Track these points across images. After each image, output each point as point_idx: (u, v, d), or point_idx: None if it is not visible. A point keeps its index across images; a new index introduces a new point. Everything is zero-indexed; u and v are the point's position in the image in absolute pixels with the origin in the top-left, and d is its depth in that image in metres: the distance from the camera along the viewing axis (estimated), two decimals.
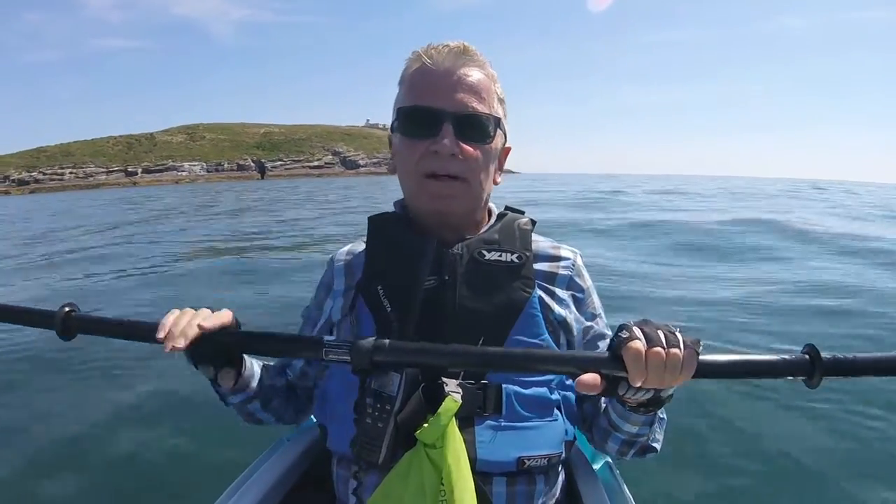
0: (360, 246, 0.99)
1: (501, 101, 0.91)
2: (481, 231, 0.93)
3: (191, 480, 2.10)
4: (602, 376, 0.67)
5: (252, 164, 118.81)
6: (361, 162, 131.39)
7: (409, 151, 0.86)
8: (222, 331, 0.75)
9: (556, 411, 0.87)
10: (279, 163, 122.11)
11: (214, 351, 0.79)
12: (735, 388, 2.87)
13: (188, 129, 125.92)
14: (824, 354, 0.67)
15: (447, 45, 0.86)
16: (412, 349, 0.72)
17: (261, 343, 0.78)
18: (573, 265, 0.96)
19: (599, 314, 0.97)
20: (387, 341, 0.71)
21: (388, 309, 0.85)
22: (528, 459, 0.83)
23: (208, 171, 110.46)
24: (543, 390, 0.86)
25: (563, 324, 0.91)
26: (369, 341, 0.70)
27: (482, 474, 0.80)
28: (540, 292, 0.90)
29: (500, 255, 0.89)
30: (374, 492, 0.74)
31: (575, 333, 0.92)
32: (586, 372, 0.67)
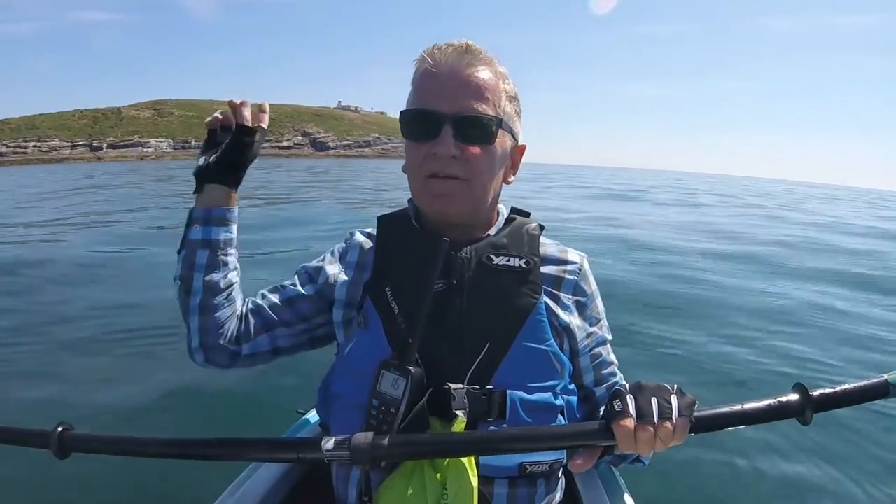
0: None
1: (512, 98, 0.92)
2: (490, 234, 0.94)
3: (191, 479, 2.04)
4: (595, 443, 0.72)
5: None
6: (331, 144, 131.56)
7: (413, 153, 0.89)
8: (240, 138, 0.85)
9: (559, 416, 0.88)
10: None
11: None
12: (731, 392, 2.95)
13: (156, 104, 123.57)
14: (812, 392, 0.69)
15: (451, 45, 0.88)
16: (407, 442, 0.71)
17: (250, 450, 0.78)
18: (579, 270, 0.97)
19: (602, 319, 0.99)
20: (385, 440, 0.69)
21: (396, 311, 0.87)
22: (530, 465, 0.85)
23: (175, 149, 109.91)
24: (548, 395, 0.87)
25: (567, 329, 0.92)
26: (368, 438, 0.69)
27: (483, 477, 0.80)
28: (546, 298, 0.90)
29: (508, 260, 0.90)
30: (375, 492, 0.76)
31: (578, 339, 0.93)
32: (583, 443, 0.72)
